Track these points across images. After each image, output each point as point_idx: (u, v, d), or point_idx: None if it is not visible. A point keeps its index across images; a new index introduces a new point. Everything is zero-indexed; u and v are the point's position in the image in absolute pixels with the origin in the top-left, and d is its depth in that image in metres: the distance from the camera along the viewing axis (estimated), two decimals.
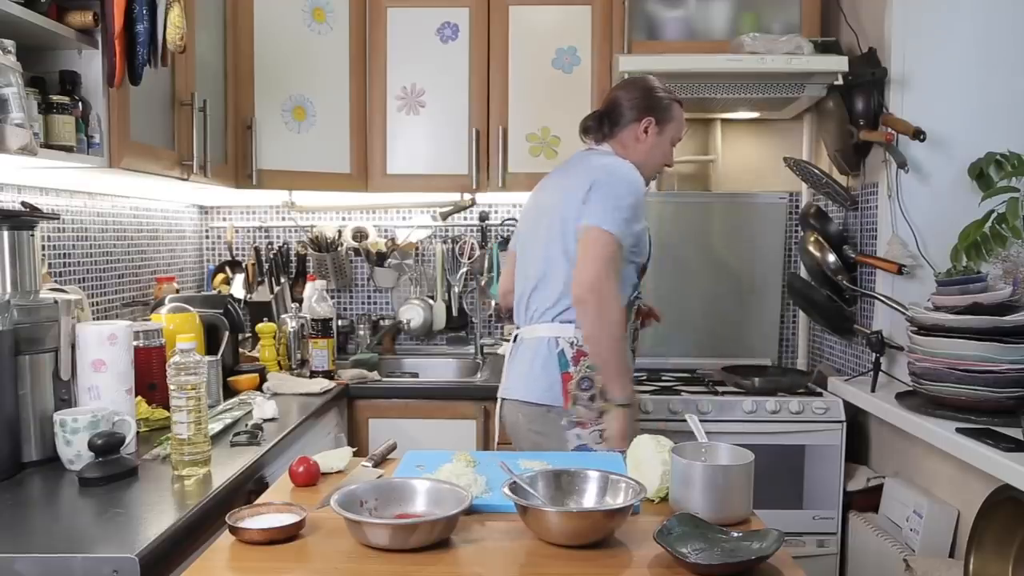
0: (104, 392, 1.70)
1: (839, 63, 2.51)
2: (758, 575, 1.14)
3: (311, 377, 2.61)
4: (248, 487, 1.66)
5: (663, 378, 2.88)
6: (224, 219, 3.27)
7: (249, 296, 3.08)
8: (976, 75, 2.36)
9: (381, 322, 3.16)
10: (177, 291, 2.71)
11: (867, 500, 2.47)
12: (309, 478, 1.51)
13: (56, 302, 1.67)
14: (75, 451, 1.57)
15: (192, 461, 1.57)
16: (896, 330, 2.38)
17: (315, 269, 3.18)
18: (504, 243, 3.07)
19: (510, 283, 2.25)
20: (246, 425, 1.94)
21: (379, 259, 3.20)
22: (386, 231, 3.25)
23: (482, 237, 3.23)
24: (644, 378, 2.87)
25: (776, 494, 2.49)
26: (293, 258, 3.22)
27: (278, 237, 3.25)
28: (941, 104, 2.38)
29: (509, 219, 3.22)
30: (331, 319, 2.68)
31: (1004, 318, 1.90)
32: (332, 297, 2.97)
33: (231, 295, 2.91)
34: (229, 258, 3.21)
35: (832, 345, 2.94)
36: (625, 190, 2.01)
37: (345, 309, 3.28)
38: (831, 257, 2.59)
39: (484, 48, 2.86)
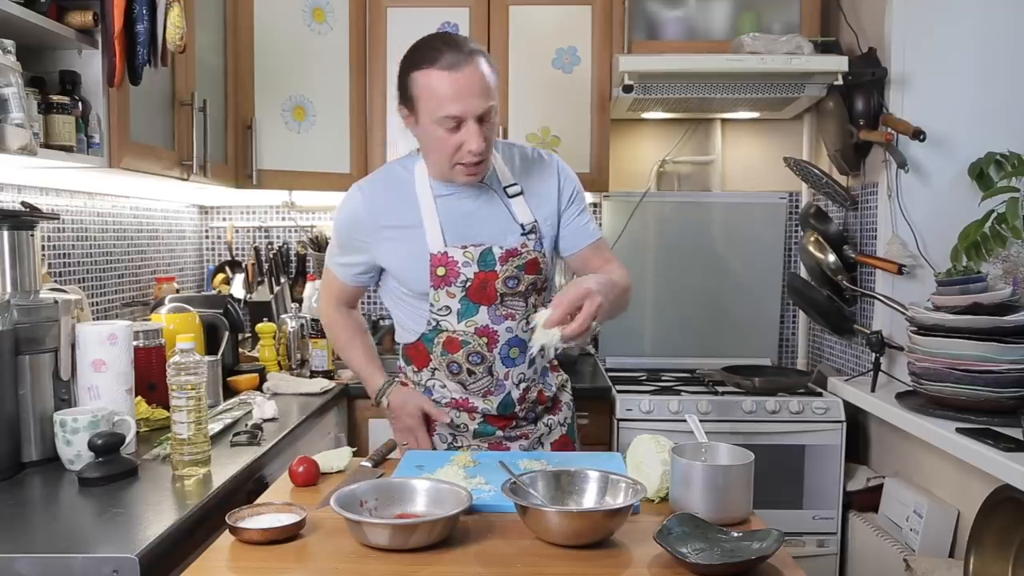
0: (104, 392, 1.70)
1: (839, 63, 2.51)
2: (758, 575, 1.14)
3: (311, 377, 2.61)
4: (248, 487, 1.66)
5: (663, 378, 2.88)
6: (224, 219, 3.27)
7: (249, 296, 3.08)
8: (976, 75, 2.36)
9: (381, 322, 3.16)
10: (177, 291, 2.71)
11: (867, 500, 2.47)
12: (309, 478, 1.50)
13: (56, 302, 1.67)
14: (75, 451, 1.57)
15: (192, 461, 1.57)
16: (896, 330, 2.38)
17: (315, 269, 3.17)
18: None
19: None
20: (246, 425, 1.94)
21: None
22: None
23: None
24: (644, 378, 2.87)
25: (776, 494, 2.49)
26: (293, 258, 3.22)
27: (278, 237, 3.25)
28: (941, 104, 2.38)
29: None
30: None
31: (1004, 318, 1.90)
32: None
33: (231, 295, 2.91)
34: (229, 258, 3.21)
35: (832, 345, 2.94)
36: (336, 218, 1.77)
37: None
38: (831, 257, 2.59)
39: (484, 48, 2.85)
